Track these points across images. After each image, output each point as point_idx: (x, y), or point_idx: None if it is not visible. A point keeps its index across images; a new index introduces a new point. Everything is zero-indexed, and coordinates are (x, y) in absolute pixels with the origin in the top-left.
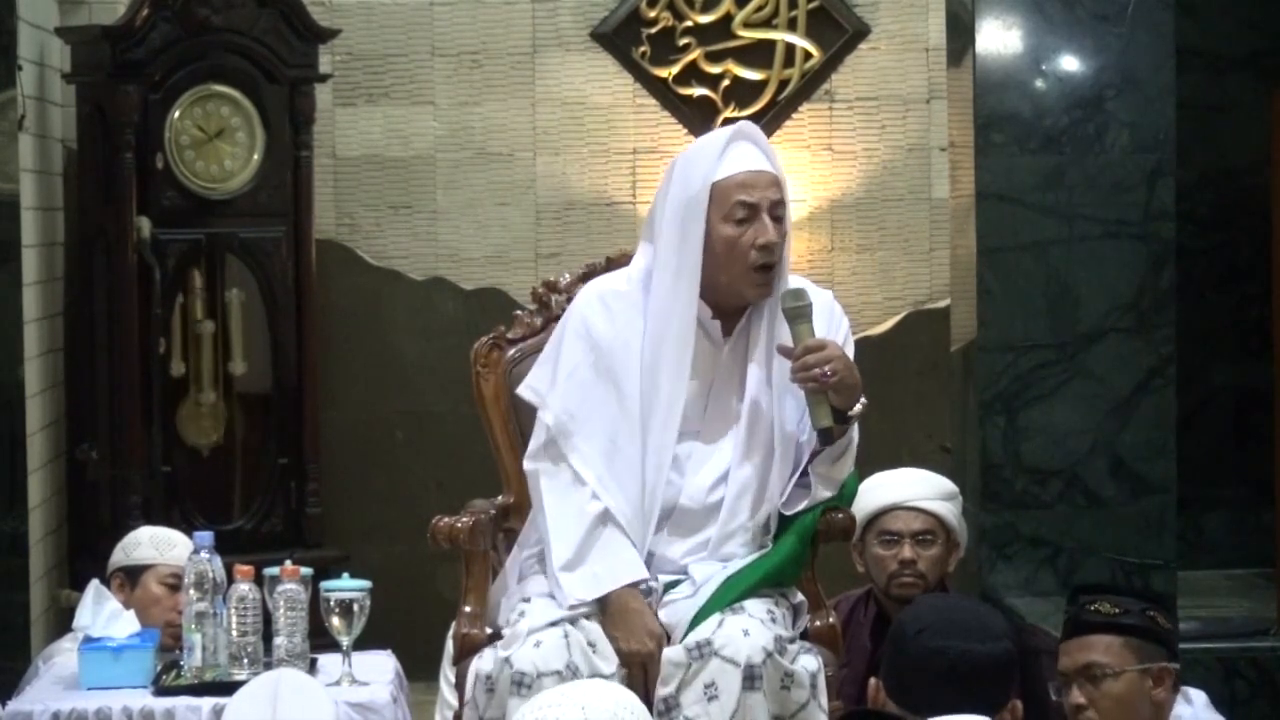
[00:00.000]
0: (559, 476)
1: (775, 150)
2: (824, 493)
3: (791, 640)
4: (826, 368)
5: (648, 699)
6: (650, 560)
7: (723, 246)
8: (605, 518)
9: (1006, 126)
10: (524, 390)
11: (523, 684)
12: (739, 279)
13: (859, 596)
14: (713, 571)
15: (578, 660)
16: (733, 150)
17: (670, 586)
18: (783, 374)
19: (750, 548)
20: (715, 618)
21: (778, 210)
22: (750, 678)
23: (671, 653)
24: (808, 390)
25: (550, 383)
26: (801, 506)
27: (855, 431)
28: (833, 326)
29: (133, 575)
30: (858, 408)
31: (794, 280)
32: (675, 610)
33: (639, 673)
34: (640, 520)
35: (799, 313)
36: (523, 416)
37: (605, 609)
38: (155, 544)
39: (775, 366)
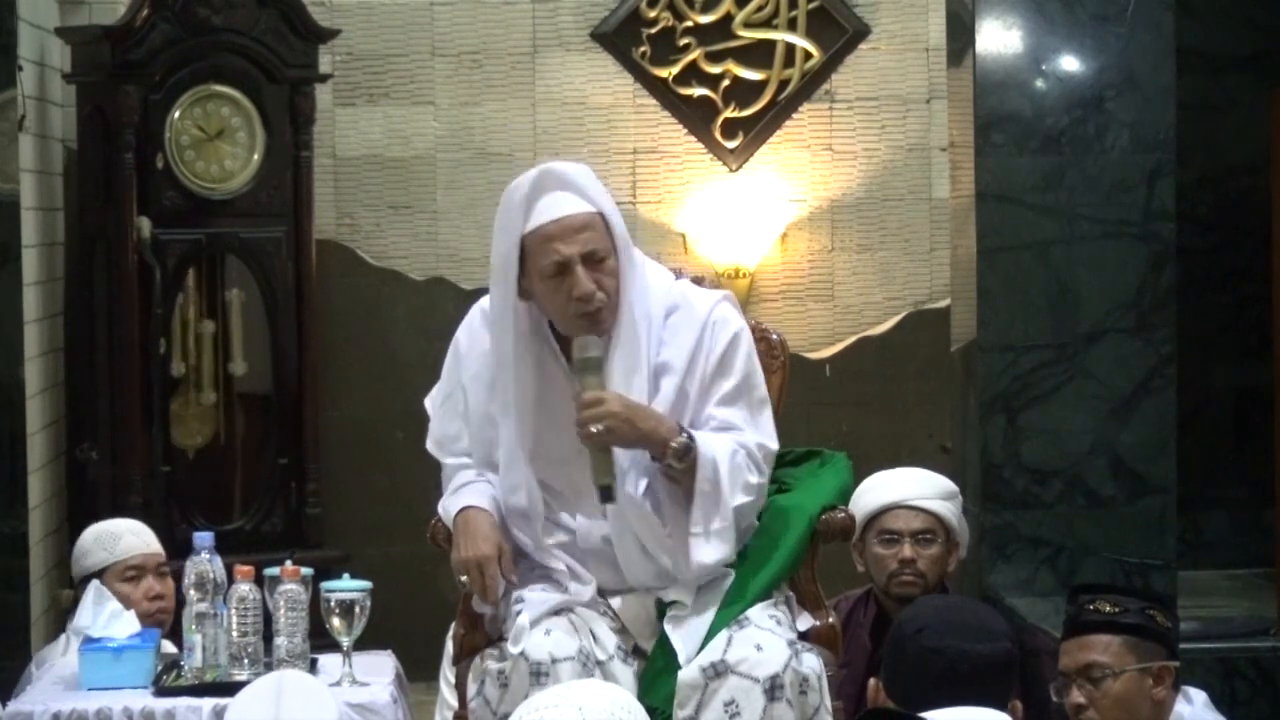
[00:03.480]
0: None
1: (589, 177)
2: (705, 555)
3: (795, 641)
4: (599, 425)
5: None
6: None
7: (543, 299)
8: (473, 476)
9: (1006, 126)
10: (426, 401)
11: (540, 673)
12: (566, 324)
13: (859, 596)
14: (689, 590)
15: (587, 645)
16: (540, 199)
17: (667, 607)
18: (643, 396)
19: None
20: (722, 636)
21: (593, 257)
22: (773, 689)
23: (686, 675)
24: (587, 447)
25: (438, 402)
26: (693, 574)
27: (719, 472)
28: (704, 343)
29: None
30: (671, 449)
31: (667, 299)
32: (680, 632)
33: (476, 575)
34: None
35: (582, 365)
36: None
37: (454, 532)
38: (101, 544)
39: (637, 390)
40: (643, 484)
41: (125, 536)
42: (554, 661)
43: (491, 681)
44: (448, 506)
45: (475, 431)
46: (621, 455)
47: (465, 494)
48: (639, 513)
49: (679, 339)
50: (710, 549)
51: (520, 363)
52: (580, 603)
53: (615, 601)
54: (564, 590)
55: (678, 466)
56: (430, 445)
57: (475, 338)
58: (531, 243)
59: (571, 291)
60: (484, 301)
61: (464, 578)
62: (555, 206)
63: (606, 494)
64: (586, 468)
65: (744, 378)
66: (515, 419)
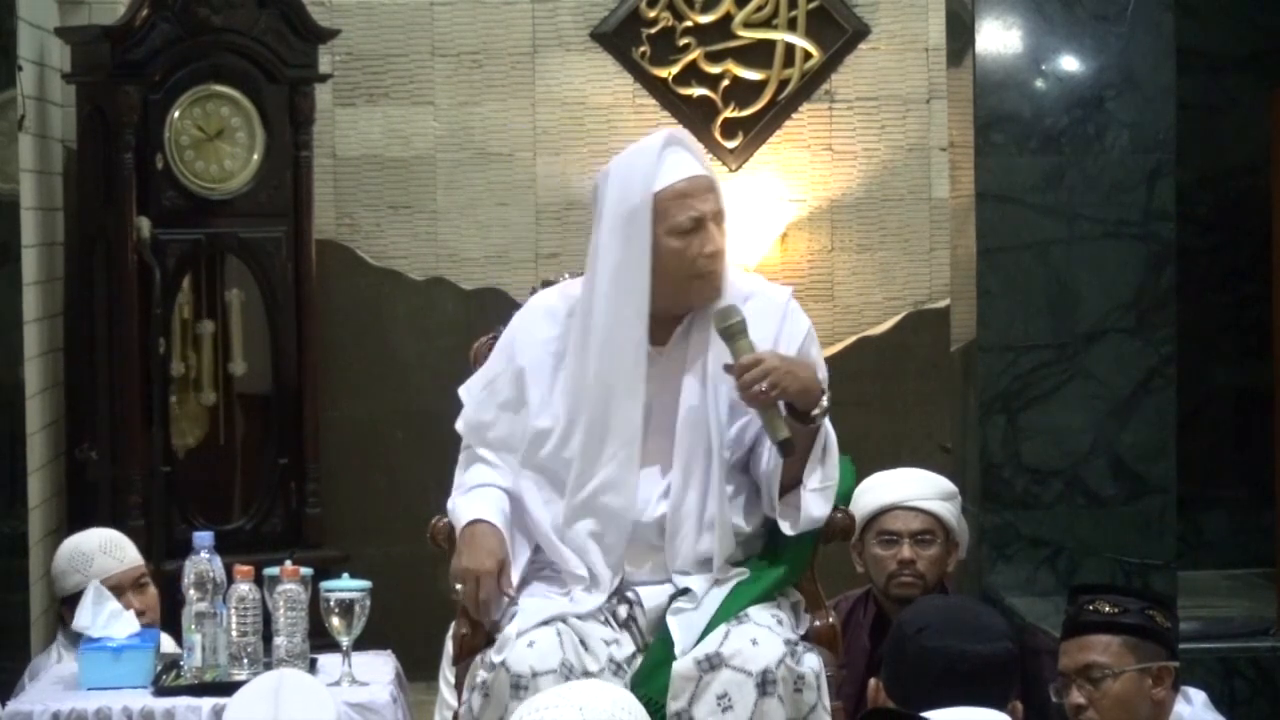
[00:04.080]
0: (469, 463)
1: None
2: (818, 511)
3: (796, 642)
4: (764, 383)
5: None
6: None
7: (668, 258)
8: (486, 484)
9: (1006, 126)
10: (461, 390)
11: (519, 685)
12: (683, 287)
13: (858, 596)
14: (707, 583)
15: (571, 658)
16: (669, 158)
17: (675, 598)
18: (722, 382)
19: (727, 551)
20: (721, 629)
21: (718, 218)
22: (764, 684)
23: (680, 666)
24: (756, 408)
25: (477, 388)
26: (800, 528)
27: (830, 432)
28: (785, 330)
29: (74, 603)
30: (821, 405)
31: (741, 288)
32: (681, 623)
33: (471, 586)
34: (566, 524)
35: (730, 331)
36: None
37: (458, 539)
38: (75, 566)
39: (714, 375)
40: (726, 454)
41: (97, 557)
42: (534, 674)
43: (477, 689)
44: (457, 508)
45: (524, 422)
46: (685, 429)
47: (476, 502)
48: (720, 483)
49: (759, 322)
50: (822, 504)
51: (637, 328)
52: (576, 613)
53: (640, 591)
54: (566, 593)
55: (819, 420)
56: (461, 426)
57: (536, 327)
58: (665, 199)
59: (703, 248)
60: (547, 295)
61: (459, 586)
62: (685, 166)
63: (786, 448)
64: (646, 443)
65: (824, 372)
66: (627, 395)
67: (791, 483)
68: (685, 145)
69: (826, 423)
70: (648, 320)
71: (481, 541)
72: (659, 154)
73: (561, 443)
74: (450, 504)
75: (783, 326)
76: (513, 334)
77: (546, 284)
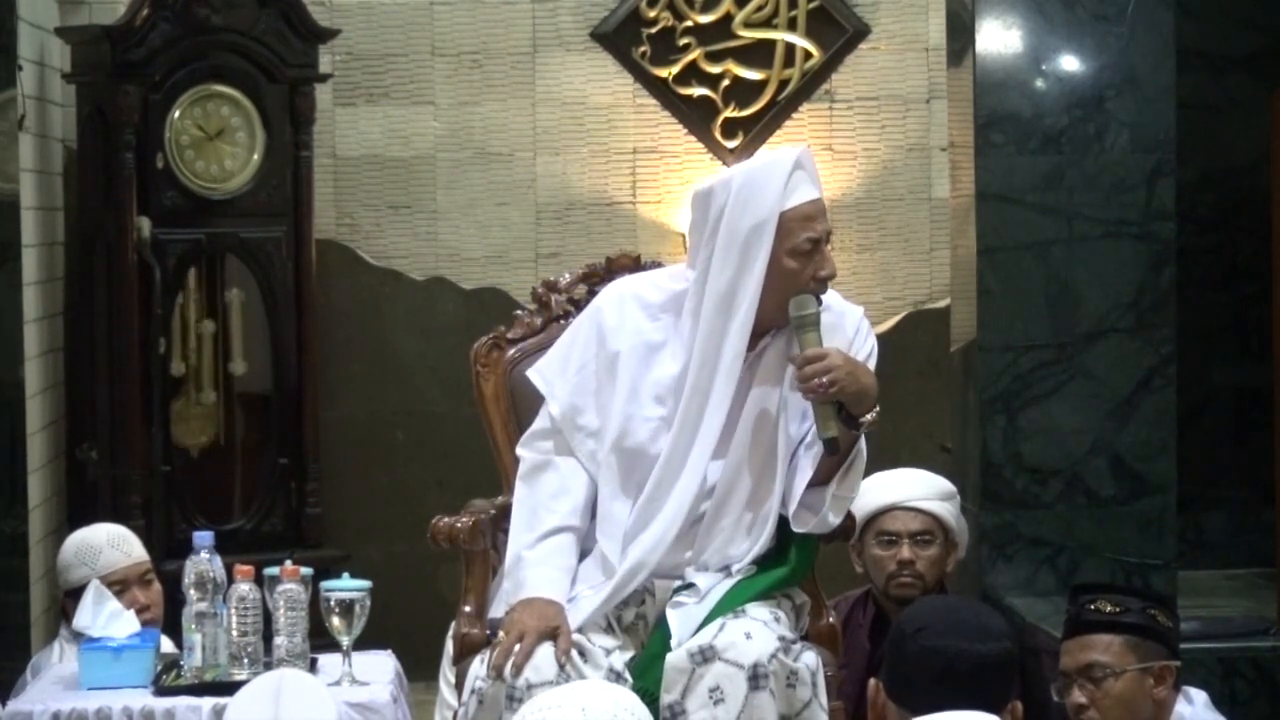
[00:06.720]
0: (543, 469)
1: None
2: (833, 517)
3: (794, 640)
4: (825, 378)
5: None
6: (645, 565)
7: (785, 277)
8: (560, 530)
9: (1006, 126)
10: (533, 373)
11: (514, 698)
12: (788, 305)
13: (858, 597)
14: (715, 579)
15: (569, 670)
16: (797, 178)
17: (676, 592)
18: (795, 393)
19: (755, 553)
20: (716, 623)
21: (829, 239)
22: (755, 677)
23: (674, 658)
24: (811, 400)
25: (560, 372)
26: (810, 529)
27: (863, 445)
28: (856, 344)
29: (78, 596)
30: (868, 417)
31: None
32: (680, 616)
33: (513, 641)
34: (635, 527)
35: (803, 321)
36: (523, 415)
37: (518, 600)
38: (81, 559)
39: (789, 382)
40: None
41: (105, 550)
42: (529, 687)
43: (474, 694)
44: (523, 562)
45: (613, 409)
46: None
47: (545, 569)
48: (780, 486)
49: (833, 334)
50: (838, 512)
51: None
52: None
53: (658, 583)
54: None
55: (864, 428)
56: (555, 410)
57: (630, 315)
58: (790, 219)
59: (818, 271)
60: (636, 283)
61: (502, 633)
62: (809, 189)
63: (832, 446)
64: (711, 441)
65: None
66: (717, 405)
67: (814, 484)
68: (809, 167)
69: (862, 440)
70: (749, 333)
71: (542, 609)
72: (789, 173)
73: (652, 439)
74: (514, 548)
75: (854, 340)
76: (599, 319)
77: (547, 284)
